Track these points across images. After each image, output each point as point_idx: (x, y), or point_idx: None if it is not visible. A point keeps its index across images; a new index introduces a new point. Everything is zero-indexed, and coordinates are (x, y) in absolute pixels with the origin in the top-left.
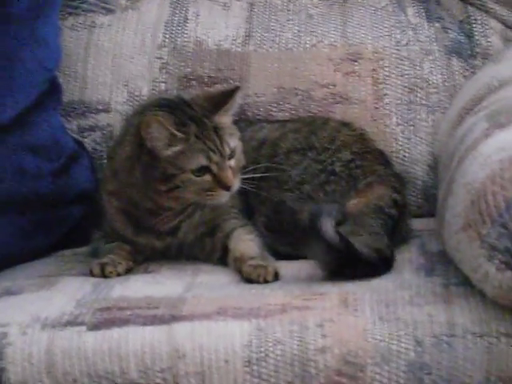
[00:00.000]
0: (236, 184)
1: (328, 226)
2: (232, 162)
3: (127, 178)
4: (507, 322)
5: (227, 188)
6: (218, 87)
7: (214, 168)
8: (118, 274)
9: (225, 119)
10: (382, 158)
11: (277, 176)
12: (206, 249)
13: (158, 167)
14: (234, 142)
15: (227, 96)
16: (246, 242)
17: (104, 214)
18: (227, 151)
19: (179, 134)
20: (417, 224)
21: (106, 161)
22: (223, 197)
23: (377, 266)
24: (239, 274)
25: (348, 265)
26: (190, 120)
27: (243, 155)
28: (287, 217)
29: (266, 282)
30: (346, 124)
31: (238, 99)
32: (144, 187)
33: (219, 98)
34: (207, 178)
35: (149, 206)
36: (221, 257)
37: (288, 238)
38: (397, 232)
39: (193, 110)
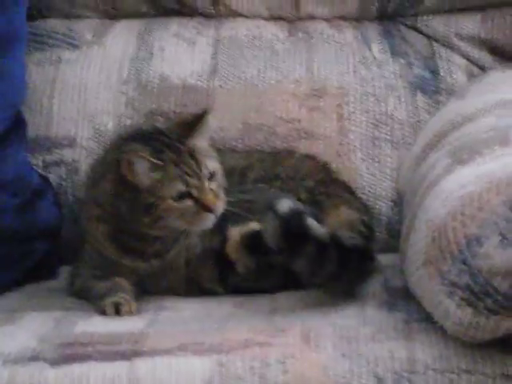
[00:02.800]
0: (220, 206)
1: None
2: (213, 185)
3: (112, 210)
4: (468, 359)
5: (211, 210)
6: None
7: (194, 192)
8: (132, 313)
9: (200, 142)
10: (347, 187)
11: (245, 207)
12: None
13: (140, 200)
14: (212, 164)
15: (197, 119)
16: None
17: (86, 240)
18: (205, 173)
19: (158, 162)
20: (381, 260)
21: (83, 187)
22: (209, 220)
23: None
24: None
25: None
26: (165, 147)
27: (224, 178)
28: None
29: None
30: (310, 156)
31: (210, 122)
32: (130, 221)
33: (190, 122)
34: (188, 202)
35: (138, 235)
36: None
37: (252, 272)
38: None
39: (166, 138)
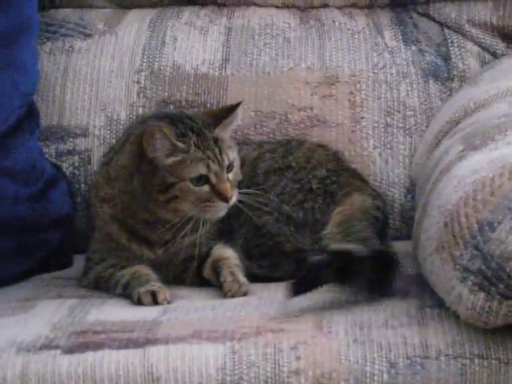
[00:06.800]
0: (234, 197)
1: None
2: (230, 175)
3: (124, 186)
4: (480, 344)
5: (225, 199)
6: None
7: (213, 178)
8: (168, 302)
9: (225, 133)
10: (358, 176)
11: (257, 197)
12: (190, 271)
13: (158, 176)
14: (232, 154)
15: (228, 111)
16: (228, 250)
17: (95, 225)
18: (226, 162)
19: (180, 144)
20: (394, 246)
21: (98, 167)
22: (221, 209)
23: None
24: (214, 275)
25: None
26: (190, 131)
27: (239, 170)
28: (267, 241)
29: (232, 296)
30: (320, 145)
31: (239, 115)
32: (142, 197)
33: (220, 112)
34: (205, 188)
35: (145, 217)
36: (203, 281)
37: (266, 260)
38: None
39: (194, 122)
